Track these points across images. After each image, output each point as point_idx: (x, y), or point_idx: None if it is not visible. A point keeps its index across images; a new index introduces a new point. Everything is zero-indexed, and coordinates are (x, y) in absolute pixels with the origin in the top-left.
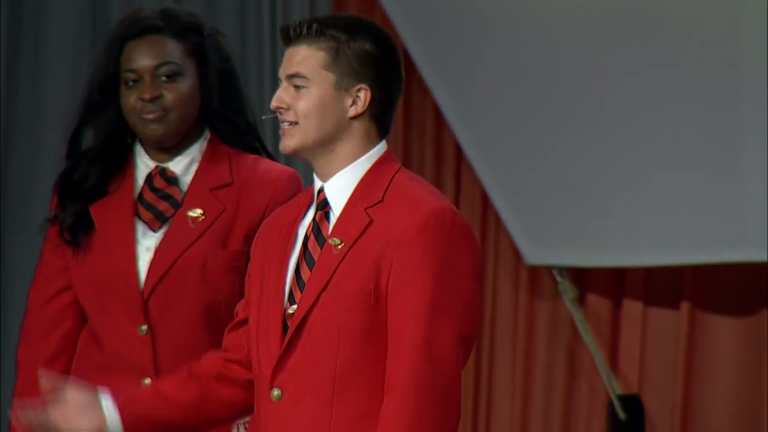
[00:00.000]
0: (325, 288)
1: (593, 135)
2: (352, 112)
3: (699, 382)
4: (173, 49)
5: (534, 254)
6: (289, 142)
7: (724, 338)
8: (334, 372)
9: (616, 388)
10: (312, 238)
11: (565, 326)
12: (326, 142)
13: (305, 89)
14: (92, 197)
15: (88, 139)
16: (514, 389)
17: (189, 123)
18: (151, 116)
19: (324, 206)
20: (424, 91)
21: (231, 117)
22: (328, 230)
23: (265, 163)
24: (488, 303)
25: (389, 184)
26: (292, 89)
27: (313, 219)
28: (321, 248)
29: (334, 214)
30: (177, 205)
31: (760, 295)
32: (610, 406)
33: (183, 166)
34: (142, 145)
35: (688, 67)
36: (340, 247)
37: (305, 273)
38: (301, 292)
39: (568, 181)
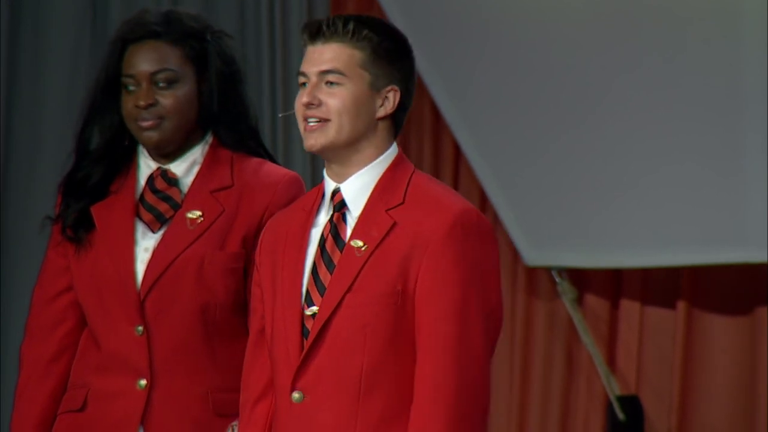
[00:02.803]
0: (349, 290)
1: (592, 137)
2: (381, 112)
3: (696, 381)
4: (171, 55)
5: (533, 256)
6: (320, 138)
7: (721, 337)
8: (360, 373)
9: (615, 389)
10: (330, 239)
11: (562, 326)
12: (354, 142)
13: (339, 86)
14: (95, 195)
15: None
16: (511, 389)
17: (186, 129)
18: (145, 124)
19: (341, 207)
20: (422, 89)
21: (232, 122)
22: (346, 231)
23: (268, 166)
24: None
25: (408, 185)
26: (324, 86)
27: (330, 220)
28: (340, 250)
29: (351, 216)
30: (177, 207)
31: (757, 295)
32: (609, 406)
33: (184, 167)
34: (146, 148)
35: (688, 66)
36: (363, 249)
37: (324, 275)
38: (321, 294)
39: (567, 182)
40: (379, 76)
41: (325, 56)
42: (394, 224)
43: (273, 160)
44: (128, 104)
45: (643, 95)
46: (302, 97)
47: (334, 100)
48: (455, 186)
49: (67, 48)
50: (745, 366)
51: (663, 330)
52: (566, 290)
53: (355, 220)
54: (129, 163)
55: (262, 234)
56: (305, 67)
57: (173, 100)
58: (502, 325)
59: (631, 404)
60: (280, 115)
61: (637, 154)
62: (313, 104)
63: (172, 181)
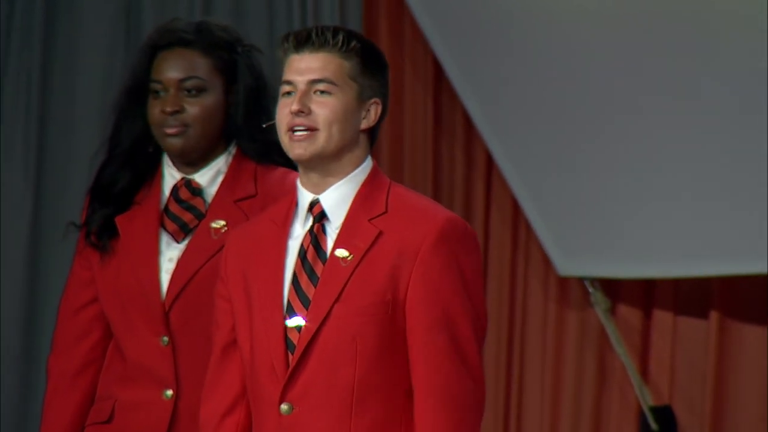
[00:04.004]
0: (337, 300)
1: (624, 146)
2: (364, 124)
3: (729, 391)
4: (201, 64)
5: (565, 265)
6: (309, 147)
7: (753, 347)
8: (352, 383)
9: (648, 400)
10: (311, 250)
11: (594, 335)
12: (339, 153)
13: (330, 96)
14: (121, 203)
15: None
16: (543, 398)
17: (211, 138)
18: (170, 130)
19: (321, 218)
20: (454, 97)
21: (255, 134)
22: (326, 242)
23: (293, 176)
24: (518, 311)
25: (388, 195)
26: (313, 95)
27: (310, 231)
28: (322, 261)
29: (331, 227)
30: (201, 216)
31: None
32: (643, 417)
33: (208, 177)
34: (169, 156)
35: (721, 74)
36: (349, 259)
37: (306, 285)
38: (305, 305)
39: (599, 191)
40: (365, 88)
41: (315, 65)
42: (380, 233)
43: (297, 171)
44: (154, 110)
45: (674, 105)
46: (291, 105)
47: (324, 110)
48: (487, 194)
49: (101, 51)
50: None
51: (695, 340)
52: (599, 300)
53: (337, 231)
54: (154, 172)
55: (226, 247)
56: (292, 76)
57: (200, 108)
58: (487, 329)
59: (665, 414)
60: (264, 126)
61: (669, 166)
62: (303, 112)
63: (196, 191)
